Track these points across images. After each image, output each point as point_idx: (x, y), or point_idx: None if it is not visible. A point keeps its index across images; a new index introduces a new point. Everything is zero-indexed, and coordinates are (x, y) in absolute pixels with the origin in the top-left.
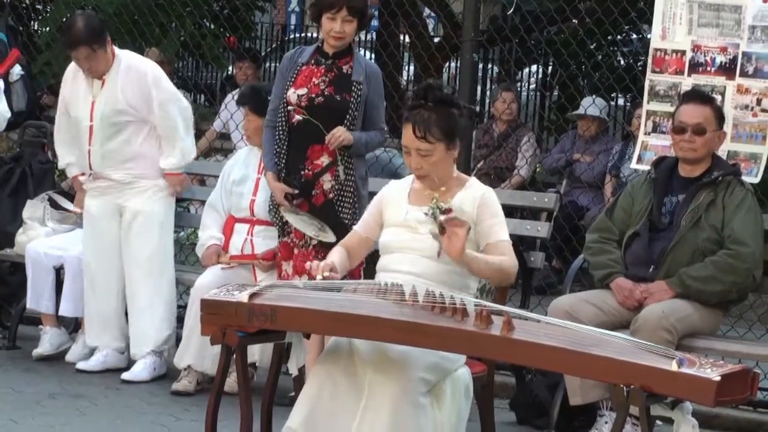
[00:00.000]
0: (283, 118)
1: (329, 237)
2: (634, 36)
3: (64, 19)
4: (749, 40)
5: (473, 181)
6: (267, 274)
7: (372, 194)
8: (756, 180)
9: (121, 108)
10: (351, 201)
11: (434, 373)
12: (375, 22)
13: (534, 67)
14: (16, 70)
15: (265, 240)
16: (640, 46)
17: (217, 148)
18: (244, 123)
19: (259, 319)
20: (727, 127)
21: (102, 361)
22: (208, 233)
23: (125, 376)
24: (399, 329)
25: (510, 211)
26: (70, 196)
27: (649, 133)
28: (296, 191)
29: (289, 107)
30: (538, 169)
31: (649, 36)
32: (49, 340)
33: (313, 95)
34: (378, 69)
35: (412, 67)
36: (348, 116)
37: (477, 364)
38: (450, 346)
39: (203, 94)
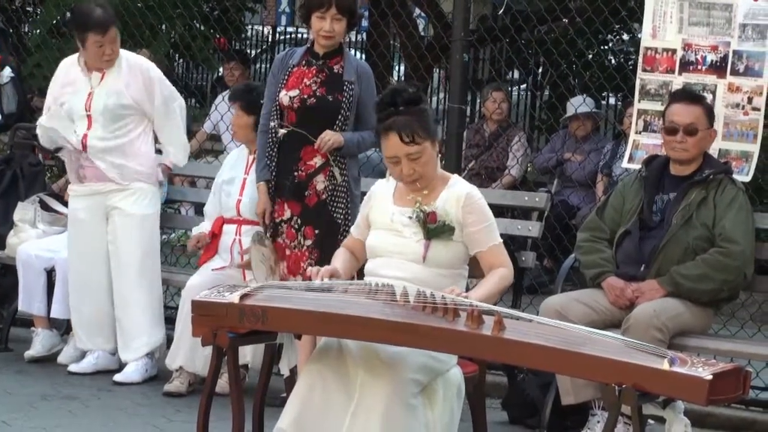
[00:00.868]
0: (277, 118)
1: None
2: (625, 35)
3: (54, 22)
4: (740, 39)
5: (455, 179)
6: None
7: (364, 194)
8: (747, 178)
9: (126, 102)
10: (344, 201)
11: (425, 373)
12: (365, 23)
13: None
14: (6, 72)
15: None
16: (631, 45)
17: (208, 149)
18: (233, 118)
19: (250, 319)
20: (718, 126)
21: (93, 363)
22: (201, 227)
23: (117, 377)
24: (390, 329)
25: (501, 211)
26: (61, 198)
27: (640, 132)
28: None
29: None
30: (529, 169)
31: (639, 35)
32: (41, 342)
33: (305, 96)
34: (369, 68)
35: (402, 67)
36: (340, 116)
37: (469, 364)
38: (441, 346)
39: (194, 95)
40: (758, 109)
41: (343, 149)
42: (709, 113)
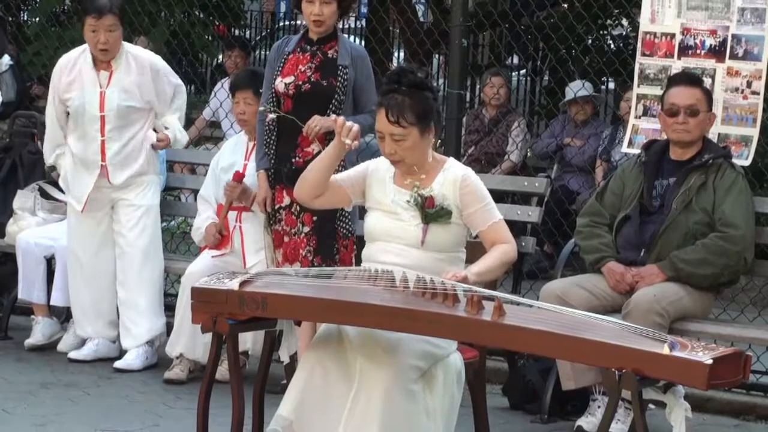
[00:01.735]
0: (273, 107)
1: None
2: (624, 20)
3: (53, 10)
4: (739, 23)
5: (451, 162)
6: (258, 261)
7: None
8: (746, 162)
9: (138, 105)
10: None
11: (425, 360)
12: (364, 9)
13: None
14: (5, 61)
15: (254, 226)
16: (630, 30)
17: (207, 136)
18: (241, 108)
19: (250, 306)
20: (718, 110)
21: (94, 350)
22: (204, 216)
23: (118, 364)
24: (390, 315)
25: (501, 196)
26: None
27: (639, 117)
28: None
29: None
30: (528, 154)
31: (638, 19)
32: (40, 330)
33: (300, 82)
34: (364, 51)
35: (401, 54)
36: (334, 101)
37: (469, 350)
38: (441, 331)
39: (192, 82)
40: (757, 93)
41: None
42: (708, 97)
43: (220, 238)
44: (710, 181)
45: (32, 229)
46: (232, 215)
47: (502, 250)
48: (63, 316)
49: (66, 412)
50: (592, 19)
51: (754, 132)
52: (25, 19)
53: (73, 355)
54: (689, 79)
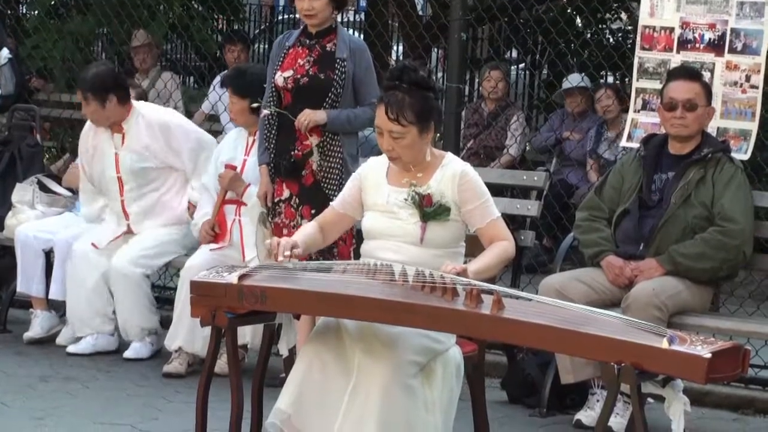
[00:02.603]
0: (274, 102)
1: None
2: (623, 14)
3: (52, 3)
4: (738, 17)
5: (449, 158)
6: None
7: None
8: (746, 157)
9: (149, 165)
10: (338, 180)
11: (424, 354)
12: (363, 2)
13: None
14: (4, 54)
15: (254, 220)
16: (629, 24)
17: (206, 129)
18: (229, 106)
19: (249, 300)
20: (717, 104)
21: (92, 344)
22: (202, 212)
23: (127, 354)
24: (389, 309)
25: (500, 190)
26: (59, 179)
27: (638, 111)
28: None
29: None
30: (527, 148)
31: (637, 13)
32: (39, 323)
33: (299, 76)
34: (363, 44)
35: (400, 47)
36: (331, 94)
37: (468, 344)
38: (440, 325)
39: (192, 75)
40: (756, 87)
41: (328, 126)
42: (707, 91)
43: (214, 234)
44: (709, 176)
45: (31, 223)
46: (231, 209)
47: (501, 247)
48: (62, 309)
49: (65, 405)
50: (591, 12)
51: (753, 126)
52: (24, 12)
53: (71, 348)
54: (688, 73)
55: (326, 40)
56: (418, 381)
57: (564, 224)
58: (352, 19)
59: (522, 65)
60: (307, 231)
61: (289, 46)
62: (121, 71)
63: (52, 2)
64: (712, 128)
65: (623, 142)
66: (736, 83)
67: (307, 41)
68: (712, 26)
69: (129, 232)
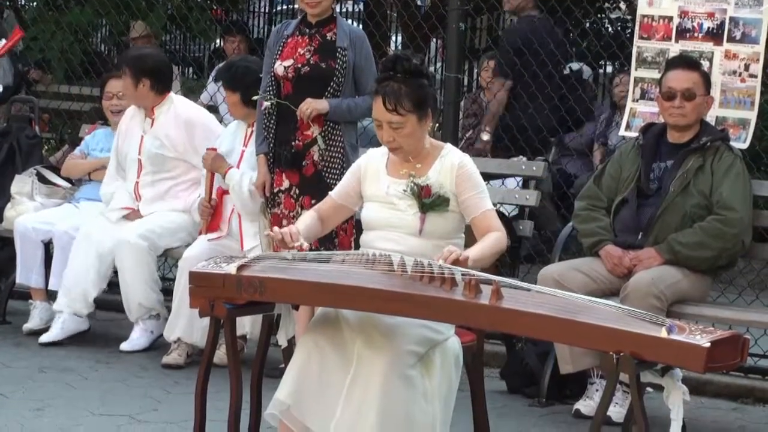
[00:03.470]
0: (272, 92)
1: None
2: (622, 3)
3: None
4: (736, 5)
5: (448, 148)
6: (255, 245)
7: None
8: (744, 146)
9: (167, 153)
10: (340, 168)
11: (423, 345)
12: None
13: None
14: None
15: (240, 200)
16: (628, 13)
17: None
18: (226, 100)
19: (247, 290)
20: (716, 93)
21: (61, 328)
22: (197, 195)
23: (123, 347)
24: (387, 299)
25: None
26: (58, 171)
27: (637, 100)
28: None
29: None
30: None
31: (636, 3)
32: (38, 314)
33: (299, 65)
34: (362, 33)
35: (399, 37)
36: (333, 83)
37: (467, 334)
38: (439, 315)
39: (191, 66)
40: (755, 76)
41: (329, 115)
42: (706, 80)
43: (211, 209)
44: (708, 164)
45: (30, 214)
46: (230, 199)
47: (496, 237)
48: None
49: (63, 396)
50: (590, 2)
51: (752, 115)
52: (23, 3)
53: (43, 339)
54: (687, 62)
55: (326, 30)
56: (417, 371)
57: (563, 214)
58: (351, 9)
59: None
60: (307, 221)
61: (288, 35)
62: (170, 63)
63: None
64: (710, 117)
65: (622, 131)
66: (734, 72)
67: (307, 30)
68: (710, 15)
69: (137, 215)
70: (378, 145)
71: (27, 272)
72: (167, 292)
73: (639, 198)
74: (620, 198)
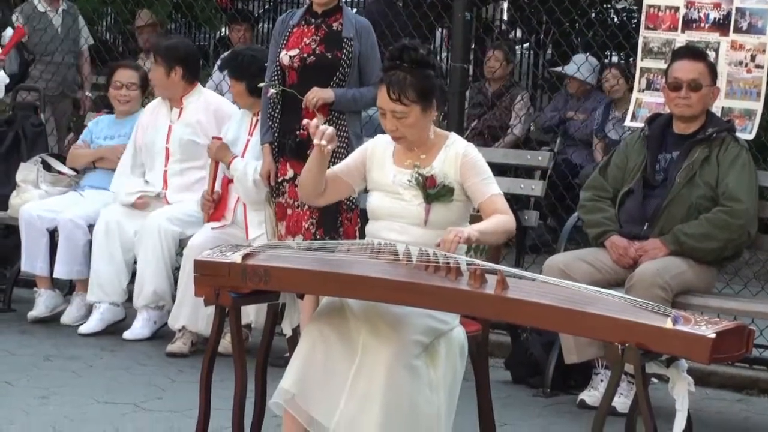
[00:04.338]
0: (278, 81)
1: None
2: None
3: None
4: None
5: (453, 138)
6: (260, 234)
7: None
8: (750, 136)
9: (199, 137)
10: (344, 157)
11: (428, 335)
12: None
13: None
14: (8, 33)
15: (245, 190)
16: (634, 3)
17: None
18: (231, 89)
19: (252, 279)
20: (722, 84)
21: (100, 318)
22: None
23: (126, 335)
24: (392, 289)
25: (504, 170)
26: (63, 159)
27: (643, 91)
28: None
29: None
30: (531, 128)
31: None
32: (44, 302)
33: (305, 55)
34: (368, 23)
35: None
36: (339, 73)
37: (472, 324)
38: (444, 305)
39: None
40: (761, 67)
41: (335, 104)
42: (712, 71)
43: (214, 202)
44: (714, 155)
45: (35, 202)
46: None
47: (502, 218)
48: (66, 288)
49: (68, 384)
50: None
51: (758, 106)
52: None
53: (83, 329)
54: (693, 53)
55: (332, 20)
56: (422, 361)
57: (568, 204)
58: None
59: (526, 45)
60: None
61: (293, 24)
62: (195, 51)
63: None
64: (716, 108)
65: (627, 122)
66: (741, 63)
67: (313, 20)
68: (717, 5)
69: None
70: (384, 134)
71: (32, 260)
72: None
73: (645, 189)
74: (626, 189)
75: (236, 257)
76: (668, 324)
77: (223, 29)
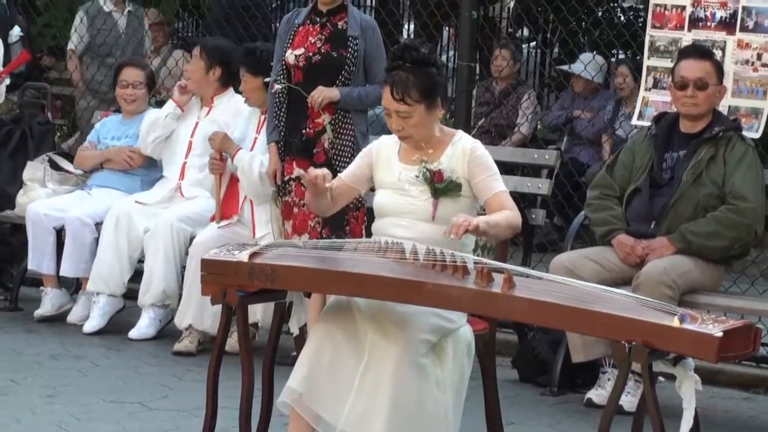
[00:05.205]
0: (284, 79)
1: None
2: None
3: None
4: None
5: (460, 135)
6: (267, 232)
7: None
8: (757, 135)
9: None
10: (350, 157)
11: (435, 333)
12: None
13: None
14: (15, 32)
15: (249, 180)
16: (640, 2)
17: None
18: (241, 85)
19: (259, 278)
20: (728, 83)
21: (101, 313)
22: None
23: (132, 334)
24: (399, 287)
25: (511, 169)
26: (70, 157)
27: (649, 89)
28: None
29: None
30: (538, 127)
31: None
32: (50, 301)
33: (311, 54)
34: (373, 21)
35: (411, 26)
36: (344, 72)
37: (479, 322)
38: (451, 304)
39: None
40: None
41: (340, 103)
42: (719, 69)
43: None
44: (720, 154)
45: (42, 200)
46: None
47: (509, 213)
48: (72, 287)
49: (74, 383)
50: None
51: (764, 104)
52: None
53: (87, 328)
54: (699, 51)
55: (337, 18)
56: (429, 360)
57: (575, 203)
58: None
59: (533, 44)
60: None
61: (298, 23)
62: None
63: None
64: (723, 107)
65: (634, 120)
66: (747, 62)
67: (318, 19)
68: (723, 4)
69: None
70: (388, 134)
71: (39, 259)
72: None
73: (652, 187)
74: (633, 187)
75: (243, 256)
76: (675, 323)
77: None
